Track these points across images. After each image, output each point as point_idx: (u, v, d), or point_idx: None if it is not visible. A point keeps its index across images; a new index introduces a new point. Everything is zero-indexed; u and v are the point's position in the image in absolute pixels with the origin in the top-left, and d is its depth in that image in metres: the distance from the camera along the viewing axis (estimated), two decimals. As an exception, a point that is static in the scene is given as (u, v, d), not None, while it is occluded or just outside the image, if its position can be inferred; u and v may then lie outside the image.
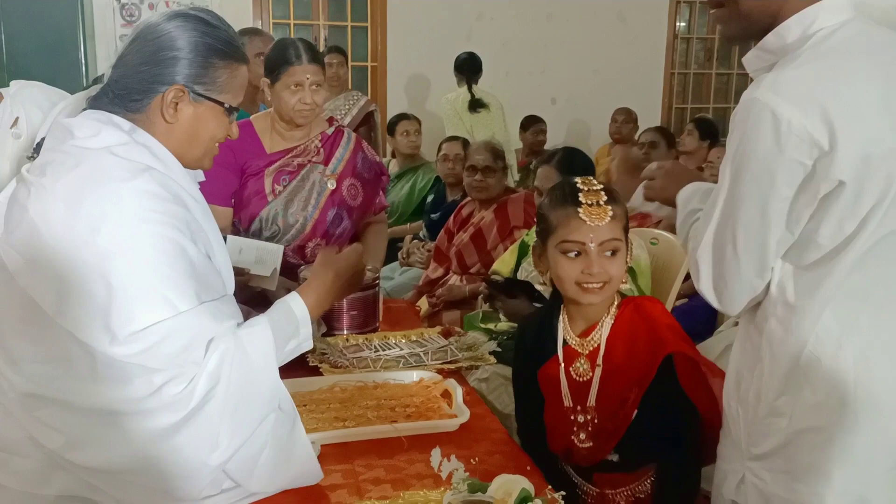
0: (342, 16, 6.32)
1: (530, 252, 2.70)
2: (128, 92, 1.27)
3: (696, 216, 1.37)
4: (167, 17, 1.29)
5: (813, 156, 1.14)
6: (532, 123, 5.57)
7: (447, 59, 5.71)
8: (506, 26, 6.16)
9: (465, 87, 5.19)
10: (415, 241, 4.00)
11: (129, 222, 1.13)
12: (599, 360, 1.54)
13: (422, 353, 1.87)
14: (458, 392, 1.63)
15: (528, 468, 1.35)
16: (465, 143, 4.11)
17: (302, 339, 1.39)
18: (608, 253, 1.50)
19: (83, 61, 5.24)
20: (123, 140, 1.21)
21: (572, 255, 1.50)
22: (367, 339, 1.99)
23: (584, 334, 1.57)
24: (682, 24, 7.21)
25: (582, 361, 1.56)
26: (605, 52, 6.13)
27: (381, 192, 2.45)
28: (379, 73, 6.25)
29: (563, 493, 1.22)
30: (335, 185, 2.31)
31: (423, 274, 3.36)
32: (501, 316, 2.64)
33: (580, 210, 1.48)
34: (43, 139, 1.25)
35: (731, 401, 1.37)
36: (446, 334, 2.02)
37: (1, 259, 1.15)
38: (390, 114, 5.62)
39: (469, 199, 3.35)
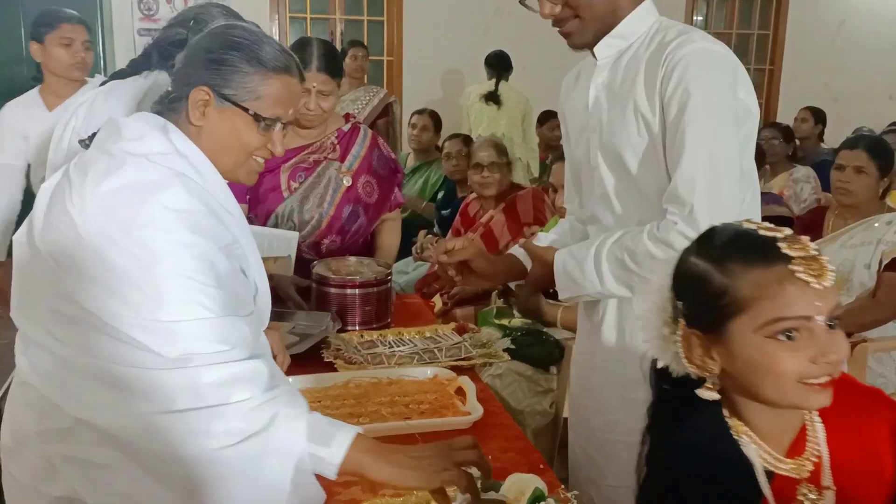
0: (359, 10, 6.34)
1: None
2: (168, 92, 1.28)
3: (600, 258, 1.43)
4: (227, 22, 1.31)
5: (751, 94, 1.41)
6: (549, 118, 5.56)
7: (464, 53, 5.71)
8: (523, 21, 6.07)
9: (492, 81, 5.25)
10: (429, 235, 4.02)
11: (157, 231, 1.11)
12: (828, 480, 1.04)
13: (436, 350, 1.88)
14: (471, 389, 1.64)
15: (541, 466, 1.36)
16: (467, 140, 4.12)
17: (331, 459, 1.10)
18: (830, 325, 0.99)
19: (102, 55, 5.28)
20: (165, 149, 1.20)
21: (789, 337, 0.98)
22: (381, 335, 2.00)
23: (794, 451, 1.06)
24: (700, 17, 7.17)
25: (805, 491, 1.04)
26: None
27: (396, 189, 2.46)
28: (395, 66, 6.26)
29: (575, 492, 1.23)
30: (351, 182, 2.32)
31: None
32: (515, 311, 2.65)
33: (796, 268, 0.97)
34: (96, 132, 1.24)
35: None
36: (460, 331, 2.03)
37: (38, 250, 1.15)
38: (406, 107, 5.63)
39: (474, 196, 3.35)
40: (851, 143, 2.79)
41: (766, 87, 7.36)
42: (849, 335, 2.54)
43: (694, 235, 1.19)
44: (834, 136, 5.82)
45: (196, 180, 1.20)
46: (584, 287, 1.47)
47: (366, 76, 5.11)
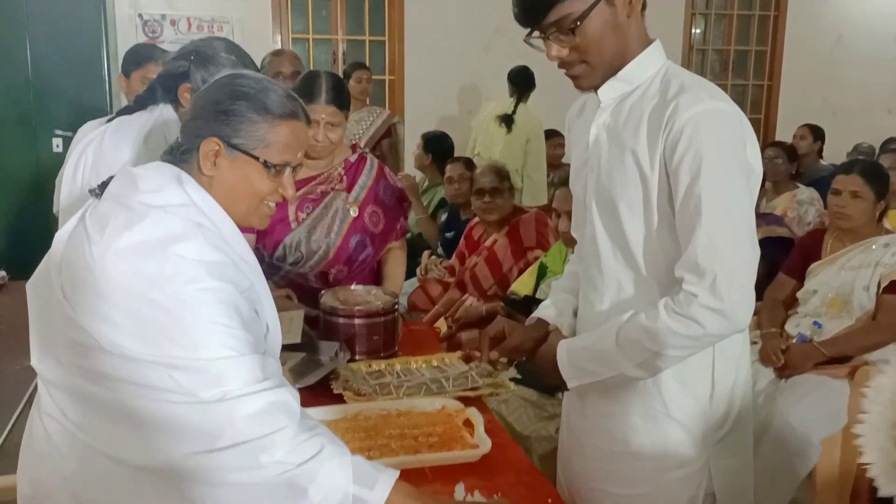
0: (360, 30, 6.39)
1: (548, 273, 2.75)
2: (179, 145, 1.30)
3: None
4: (230, 72, 1.33)
5: (756, 153, 1.37)
6: (550, 137, 5.60)
7: (465, 71, 5.74)
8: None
9: (512, 100, 5.15)
10: (432, 257, 4.05)
11: (184, 283, 1.13)
12: None
13: (443, 380, 1.91)
14: (479, 422, 1.66)
15: (550, 501, 1.38)
16: (469, 164, 4.15)
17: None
18: None
19: (107, 78, 5.32)
20: (183, 200, 1.22)
21: None
22: (389, 364, 2.02)
23: None
24: (698, 31, 7.22)
25: None
26: (622, 63, 6.19)
27: (402, 219, 2.49)
28: (397, 85, 6.31)
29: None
30: (357, 213, 2.35)
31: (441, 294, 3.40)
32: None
33: None
34: (110, 178, 1.26)
35: None
36: (467, 359, 2.05)
37: (58, 298, 1.17)
38: (408, 126, 5.68)
39: (477, 220, 3.38)
40: (847, 168, 2.81)
41: (765, 102, 7.41)
42: (850, 358, 2.57)
43: (719, 307, 1.23)
44: (833, 151, 5.87)
45: (212, 230, 1.22)
46: (600, 375, 1.39)
47: (368, 98, 5.16)
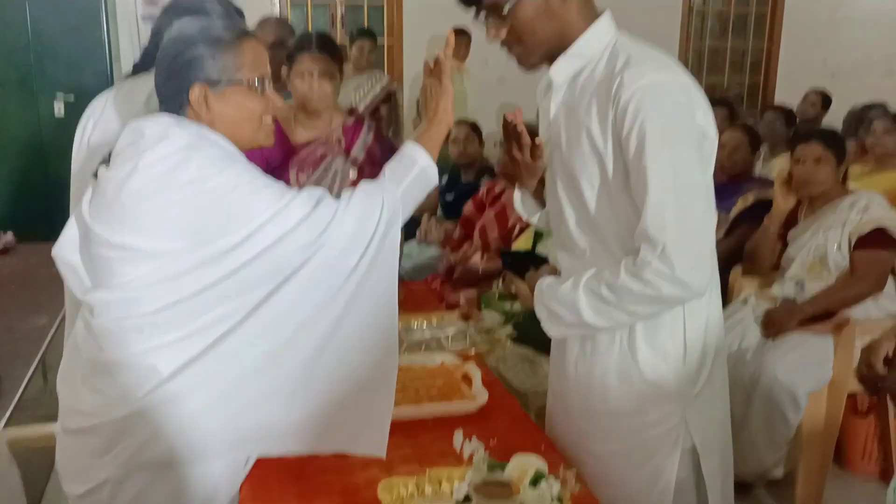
0: (359, -7, 6.37)
1: (545, 236, 2.81)
2: (167, 103, 1.40)
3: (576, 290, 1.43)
4: (170, 30, 1.42)
5: (709, 118, 1.39)
6: None
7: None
8: None
9: None
10: (432, 218, 4.10)
11: (209, 166, 1.29)
12: None
13: (442, 338, 1.99)
14: (477, 375, 1.75)
15: (543, 447, 1.47)
16: (474, 126, 4.18)
17: (423, 166, 1.50)
18: None
19: (107, 41, 5.32)
20: (189, 132, 1.35)
21: None
22: (390, 322, 2.10)
23: None
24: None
25: None
26: (620, 24, 6.09)
27: None
28: (395, 50, 6.30)
29: (573, 469, 1.34)
30: (356, 175, 2.41)
31: (443, 258, 3.45)
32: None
33: None
34: (110, 152, 1.37)
35: None
36: (465, 317, 2.14)
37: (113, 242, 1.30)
38: (407, 91, 5.69)
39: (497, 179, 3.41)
40: (805, 137, 2.90)
41: (765, 64, 7.40)
42: (833, 313, 2.66)
43: (669, 273, 1.29)
44: (832, 113, 5.89)
45: (219, 146, 1.36)
46: (564, 318, 1.46)
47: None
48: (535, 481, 1.28)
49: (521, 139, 1.50)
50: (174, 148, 1.30)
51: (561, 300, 1.45)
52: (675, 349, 1.46)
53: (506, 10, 1.38)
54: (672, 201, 1.30)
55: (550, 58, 1.45)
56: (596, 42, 1.42)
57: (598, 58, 1.41)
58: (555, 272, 1.60)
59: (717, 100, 5.38)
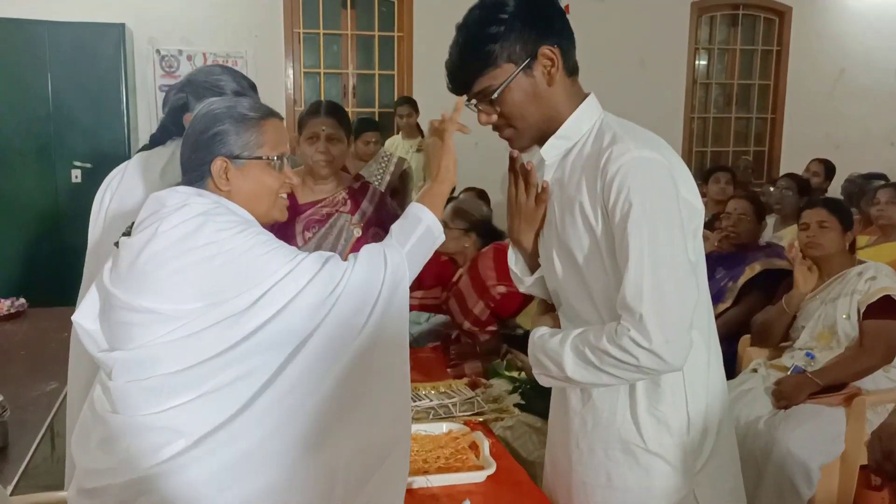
0: (370, 65, 6.55)
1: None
2: (189, 175, 1.48)
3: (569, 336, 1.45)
4: (200, 107, 1.51)
5: (693, 192, 1.45)
6: None
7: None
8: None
9: None
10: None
11: (222, 231, 1.35)
12: None
13: (450, 405, 1.99)
14: (485, 444, 1.75)
15: (553, 518, 1.46)
16: (482, 194, 4.24)
17: (428, 222, 1.56)
18: None
19: (125, 111, 5.46)
20: (205, 201, 1.41)
21: None
22: (398, 390, 2.10)
23: None
24: (703, 63, 7.36)
25: None
26: (627, 96, 6.12)
27: None
28: (405, 42, 6.43)
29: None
30: (361, 233, 2.45)
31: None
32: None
33: None
34: (132, 223, 1.43)
35: None
36: (473, 386, 2.14)
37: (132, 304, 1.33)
38: (416, 89, 5.86)
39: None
40: (811, 204, 2.99)
41: (769, 135, 7.52)
42: (844, 385, 2.65)
43: (645, 343, 1.32)
44: (837, 184, 5.95)
45: (235, 215, 1.42)
46: (550, 370, 1.48)
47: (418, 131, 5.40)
48: (544, 555, 1.27)
49: (528, 176, 1.54)
50: (192, 214, 1.35)
51: (548, 353, 1.47)
52: (679, 420, 1.46)
53: (495, 95, 1.44)
54: (650, 273, 1.33)
55: (541, 139, 1.51)
56: (584, 122, 1.48)
57: (585, 136, 1.47)
58: (556, 320, 1.60)
59: (720, 167, 5.50)
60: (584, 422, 1.52)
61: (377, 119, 6.03)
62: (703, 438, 1.48)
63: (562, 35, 1.46)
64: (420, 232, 1.53)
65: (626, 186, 1.34)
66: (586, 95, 1.50)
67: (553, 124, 1.48)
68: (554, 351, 1.46)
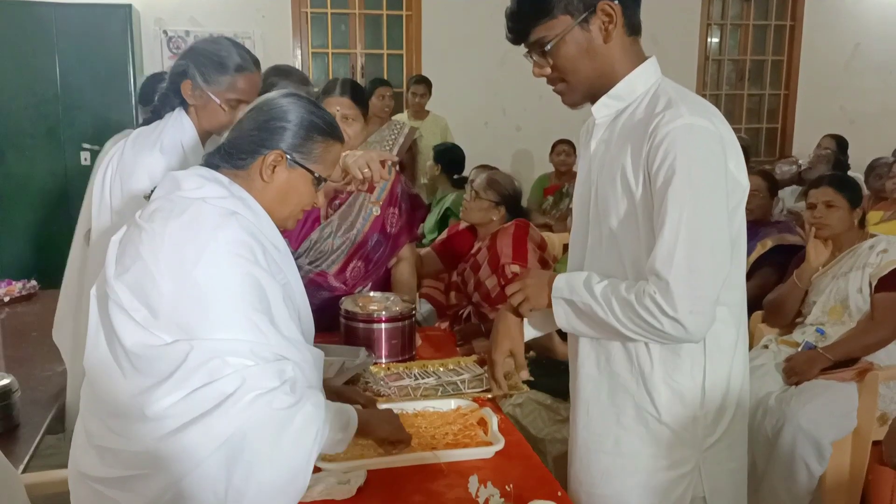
0: (378, 44, 6.51)
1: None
2: (237, 151, 1.47)
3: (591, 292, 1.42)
4: (283, 94, 1.50)
5: (741, 167, 1.41)
6: (557, 145, 5.67)
7: (481, 83, 5.81)
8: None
9: None
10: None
11: (220, 261, 1.31)
12: None
13: (458, 382, 1.98)
14: (493, 420, 1.74)
15: (559, 493, 1.45)
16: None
17: (349, 435, 1.48)
18: None
19: (133, 93, 5.45)
20: (221, 193, 1.41)
21: None
22: (406, 367, 2.10)
23: None
24: (715, 40, 7.27)
25: None
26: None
27: (417, 224, 2.58)
28: (414, 20, 6.40)
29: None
30: (379, 212, 2.46)
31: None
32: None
33: None
34: (153, 189, 1.44)
35: None
36: (481, 363, 2.13)
37: (114, 292, 1.32)
38: (426, 67, 5.89)
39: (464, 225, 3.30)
40: (817, 182, 2.96)
41: (782, 111, 7.43)
42: (856, 360, 2.62)
43: (670, 311, 1.30)
44: (852, 159, 5.88)
45: (249, 218, 1.40)
46: (580, 298, 1.45)
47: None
48: (551, 528, 1.27)
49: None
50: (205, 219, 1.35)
51: (578, 287, 1.45)
52: (694, 393, 1.45)
53: (548, 47, 1.41)
54: (684, 241, 1.31)
55: (594, 96, 1.48)
56: (639, 84, 1.45)
57: (640, 100, 1.44)
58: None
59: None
60: (599, 387, 1.52)
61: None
62: (718, 416, 1.47)
63: None
64: (343, 438, 1.47)
65: (673, 152, 1.31)
66: (647, 58, 1.47)
67: (606, 82, 1.45)
68: (585, 282, 1.44)
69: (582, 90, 1.47)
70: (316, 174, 1.49)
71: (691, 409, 1.45)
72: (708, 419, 1.46)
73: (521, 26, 1.44)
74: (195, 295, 1.28)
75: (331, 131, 1.51)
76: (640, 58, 1.46)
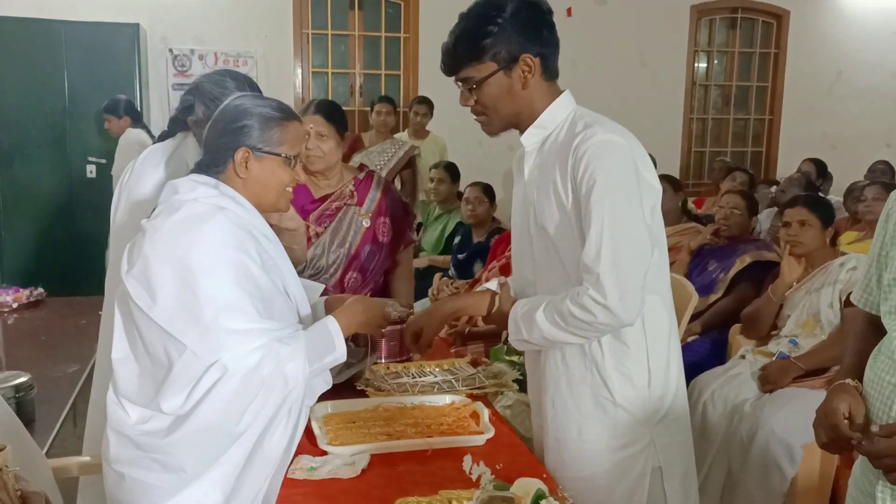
0: (377, 64, 6.70)
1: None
2: (213, 161, 1.67)
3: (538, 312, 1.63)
4: (231, 99, 1.70)
5: (653, 173, 1.64)
6: None
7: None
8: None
9: None
10: (444, 278, 4.27)
11: (208, 249, 1.52)
12: None
13: (453, 380, 2.14)
14: (485, 413, 1.89)
15: (545, 476, 1.60)
16: (487, 188, 4.41)
17: (338, 355, 1.67)
18: None
19: (139, 108, 5.61)
20: (212, 193, 1.62)
21: None
22: (405, 367, 2.25)
23: None
24: (702, 65, 7.48)
25: None
26: (627, 96, 6.27)
27: (408, 229, 2.72)
28: (411, 43, 6.59)
29: (572, 492, 1.47)
30: (369, 223, 2.59)
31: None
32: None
33: None
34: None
35: None
36: (475, 364, 2.28)
37: (127, 288, 1.53)
38: (422, 86, 6.05)
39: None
40: (792, 202, 3.15)
41: (767, 135, 7.65)
42: (827, 369, 2.78)
43: (601, 299, 1.51)
44: (834, 184, 6.08)
45: (238, 212, 1.61)
46: (523, 334, 1.67)
47: (390, 131, 5.48)
48: (537, 501, 1.41)
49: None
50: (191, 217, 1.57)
51: (524, 320, 1.66)
52: (641, 376, 1.66)
53: (474, 86, 1.65)
54: (608, 238, 1.53)
55: (515, 127, 1.71)
56: (559, 114, 1.68)
57: (561, 126, 1.67)
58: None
59: (738, 168, 5.82)
60: (559, 382, 1.72)
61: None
62: (662, 394, 1.69)
63: (547, 45, 1.65)
64: (329, 361, 1.65)
65: (593, 164, 1.54)
66: (562, 91, 1.70)
67: (523, 118, 1.69)
68: (528, 317, 1.65)
69: (499, 124, 1.71)
70: (283, 155, 1.66)
71: (641, 389, 1.66)
72: (654, 397, 1.67)
73: (454, 63, 1.67)
74: (186, 277, 1.49)
75: (283, 115, 1.67)
76: (557, 93, 1.70)
